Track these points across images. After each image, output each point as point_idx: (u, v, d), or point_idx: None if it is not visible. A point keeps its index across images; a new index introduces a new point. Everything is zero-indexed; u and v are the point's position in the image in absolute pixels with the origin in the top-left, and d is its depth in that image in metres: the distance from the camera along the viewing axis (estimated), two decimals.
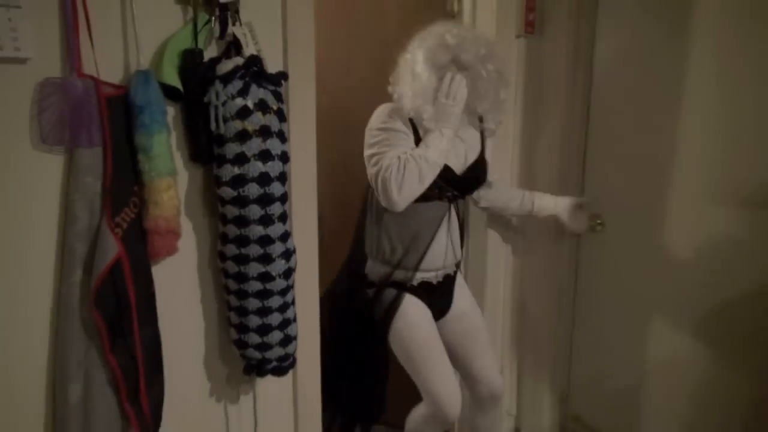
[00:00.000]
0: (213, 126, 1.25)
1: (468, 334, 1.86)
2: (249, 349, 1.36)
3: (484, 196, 1.97)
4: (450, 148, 1.63)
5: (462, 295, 1.89)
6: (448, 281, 1.84)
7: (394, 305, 1.73)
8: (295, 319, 1.42)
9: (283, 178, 1.32)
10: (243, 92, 1.25)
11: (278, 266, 1.33)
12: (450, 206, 1.77)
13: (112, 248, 1.14)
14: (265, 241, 1.30)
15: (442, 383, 1.72)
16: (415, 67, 1.61)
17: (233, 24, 1.30)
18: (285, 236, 1.34)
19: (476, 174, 1.79)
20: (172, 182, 1.23)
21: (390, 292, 1.75)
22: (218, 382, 1.47)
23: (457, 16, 2.20)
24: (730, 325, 1.82)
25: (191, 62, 1.25)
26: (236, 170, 1.26)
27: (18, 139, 1.09)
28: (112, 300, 1.16)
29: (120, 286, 1.17)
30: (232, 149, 1.26)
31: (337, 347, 1.82)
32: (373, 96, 1.78)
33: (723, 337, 1.85)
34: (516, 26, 2.16)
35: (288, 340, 1.40)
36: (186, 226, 1.34)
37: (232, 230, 1.30)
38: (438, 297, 1.81)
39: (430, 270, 1.77)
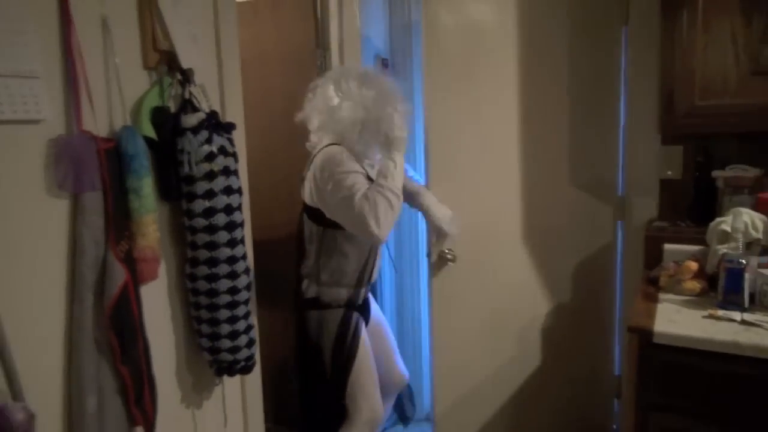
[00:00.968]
0: (186, 168, 1.52)
1: (382, 338, 2.20)
2: (222, 353, 1.62)
3: None
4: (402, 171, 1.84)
5: (373, 303, 2.22)
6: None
7: (358, 326, 1.98)
8: (254, 325, 1.70)
9: (240, 207, 1.62)
10: (209, 140, 1.54)
11: (242, 280, 1.62)
12: None
13: (120, 274, 1.36)
14: (232, 260, 1.59)
15: (377, 391, 2.05)
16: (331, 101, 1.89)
17: (190, 85, 1.59)
18: (245, 255, 1.64)
19: None
20: (155, 217, 1.47)
21: (350, 314, 1.97)
22: (187, 389, 1.69)
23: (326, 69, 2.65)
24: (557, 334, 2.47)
25: (162, 117, 1.52)
26: (207, 203, 1.54)
27: (34, 185, 1.27)
28: (122, 319, 1.37)
29: (128, 307, 1.38)
30: (202, 186, 1.54)
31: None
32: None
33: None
34: None
35: (251, 342, 1.68)
36: None
37: (203, 254, 1.57)
38: (366, 310, 2.12)
39: (368, 284, 2.05)
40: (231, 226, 1.58)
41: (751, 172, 1.94)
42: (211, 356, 1.64)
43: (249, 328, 1.67)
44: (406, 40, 2.87)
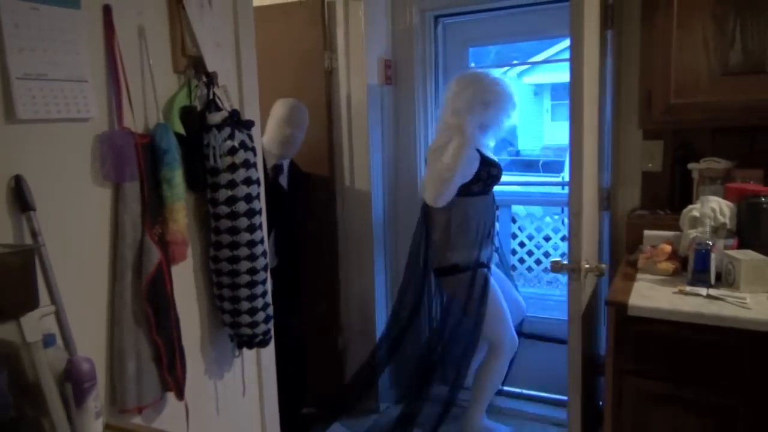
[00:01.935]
0: (211, 161, 1.70)
1: (501, 279, 2.76)
2: (242, 327, 1.80)
3: None
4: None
5: None
6: None
7: (488, 280, 2.55)
8: (270, 303, 1.89)
9: (258, 197, 1.81)
10: (231, 136, 1.73)
11: (261, 262, 1.81)
12: None
13: (155, 255, 1.54)
14: (251, 243, 1.77)
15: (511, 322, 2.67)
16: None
17: (214, 87, 1.77)
18: (263, 240, 1.82)
19: None
20: (185, 204, 1.66)
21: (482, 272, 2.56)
22: (210, 361, 1.87)
23: (333, 72, 2.84)
24: None
25: (190, 115, 1.70)
26: (229, 192, 1.72)
27: (83, 175, 1.45)
28: (157, 294, 1.55)
29: (162, 283, 1.56)
30: (225, 177, 1.72)
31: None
32: None
33: None
34: (379, 78, 2.85)
35: (268, 318, 1.86)
36: None
37: (226, 238, 1.75)
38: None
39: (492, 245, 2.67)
40: (250, 213, 1.76)
41: (722, 164, 2.12)
42: (232, 330, 1.82)
43: (266, 305, 1.85)
44: (407, 43, 3.05)
